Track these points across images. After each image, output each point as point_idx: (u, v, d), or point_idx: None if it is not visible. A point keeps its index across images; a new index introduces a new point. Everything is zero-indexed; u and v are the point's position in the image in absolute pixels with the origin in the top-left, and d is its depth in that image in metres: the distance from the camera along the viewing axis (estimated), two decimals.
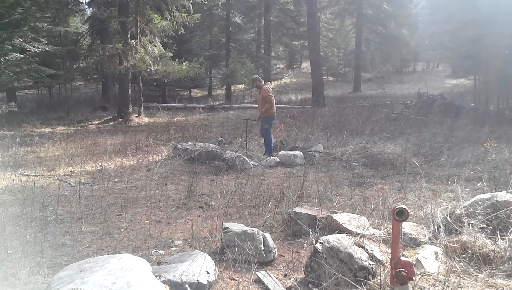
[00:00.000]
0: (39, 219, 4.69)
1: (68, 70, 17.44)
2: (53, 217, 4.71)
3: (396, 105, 17.17)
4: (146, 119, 15.89)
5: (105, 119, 15.74)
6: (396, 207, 2.48)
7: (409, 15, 28.61)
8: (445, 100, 13.85)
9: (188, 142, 9.25)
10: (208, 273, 2.93)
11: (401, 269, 2.48)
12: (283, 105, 20.02)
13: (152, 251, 3.72)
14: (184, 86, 24.44)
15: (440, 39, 15.45)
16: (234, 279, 3.10)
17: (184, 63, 15.85)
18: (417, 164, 6.58)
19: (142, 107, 16.23)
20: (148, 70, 14.16)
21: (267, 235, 3.55)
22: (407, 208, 2.46)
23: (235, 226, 3.62)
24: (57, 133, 12.19)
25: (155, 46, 15.16)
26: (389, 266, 3.34)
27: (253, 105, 21.07)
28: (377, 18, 28.34)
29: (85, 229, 4.35)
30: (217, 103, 23.13)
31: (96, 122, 15.35)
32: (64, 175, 6.99)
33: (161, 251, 3.73)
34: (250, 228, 3.56)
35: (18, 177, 6.76)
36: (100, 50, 16.09)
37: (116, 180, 6.60)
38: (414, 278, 2.58)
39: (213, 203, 5.24)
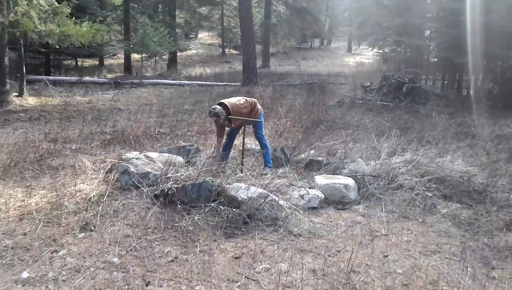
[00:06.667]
0: None
1: None
2: None
3: (340, 87, 15.23)
4: (31, 100, 11.30)
5: None
6: None
7: None
8: (414, 83, 12.03)
9: (130, 150, 5.72)
10: None
11: None
12: (202, 82, 16.54)
13: None
14: (74, 54, 19.26)
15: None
16: None
17: (83, 24, 11.53)
18: None
19: (25, 83, 11.52)
20: (37, 30, 9.64)
21: None
22: None
23: None
24: None
25: None
26: None
27: (169, 81, 17.14)
28: None
29: None
30: (114, 76, 18.65)
31: None
32: None
33: None
34: None
35: None
36: None
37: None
38: None
39: None
